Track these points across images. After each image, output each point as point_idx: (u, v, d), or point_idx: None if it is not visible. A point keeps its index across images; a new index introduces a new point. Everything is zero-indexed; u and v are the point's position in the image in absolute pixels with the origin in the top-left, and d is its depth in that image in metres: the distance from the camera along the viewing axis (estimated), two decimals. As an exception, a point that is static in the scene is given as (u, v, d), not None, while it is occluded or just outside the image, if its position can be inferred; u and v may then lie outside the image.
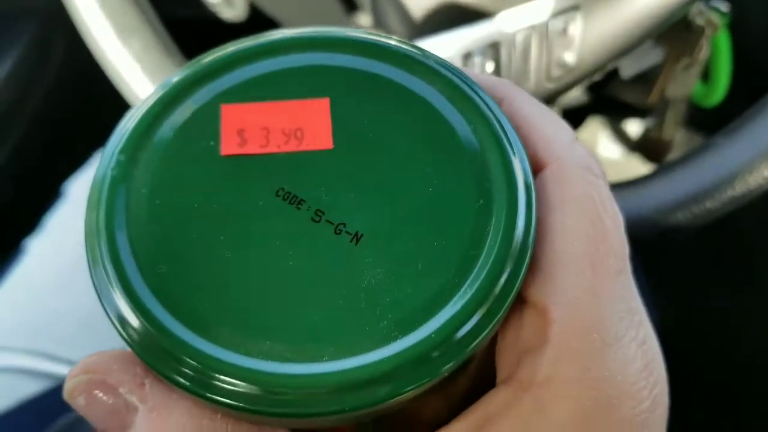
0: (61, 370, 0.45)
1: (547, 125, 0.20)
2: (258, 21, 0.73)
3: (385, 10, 0.39)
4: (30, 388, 0.44)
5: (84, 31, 0.39)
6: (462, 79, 0.19)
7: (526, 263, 0.17)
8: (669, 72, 0.46)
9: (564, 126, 0.20)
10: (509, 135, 0.19)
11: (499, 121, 0.19)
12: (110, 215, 0.17)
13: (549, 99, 0.36)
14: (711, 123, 0.61)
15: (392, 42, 0.20)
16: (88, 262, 0.17)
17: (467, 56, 0.35)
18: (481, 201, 0.18)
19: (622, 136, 0.70)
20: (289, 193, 0.18)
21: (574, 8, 0.34)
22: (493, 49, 0.35)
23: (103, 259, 0.17)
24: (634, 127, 0.69)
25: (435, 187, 0.18)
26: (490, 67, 0.35)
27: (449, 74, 0.19)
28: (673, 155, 0.56)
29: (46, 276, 0.48)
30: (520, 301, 0.18)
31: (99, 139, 0.57)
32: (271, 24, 0.75)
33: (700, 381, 0.55)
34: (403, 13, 0.38)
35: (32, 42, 0.63)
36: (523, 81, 0.35)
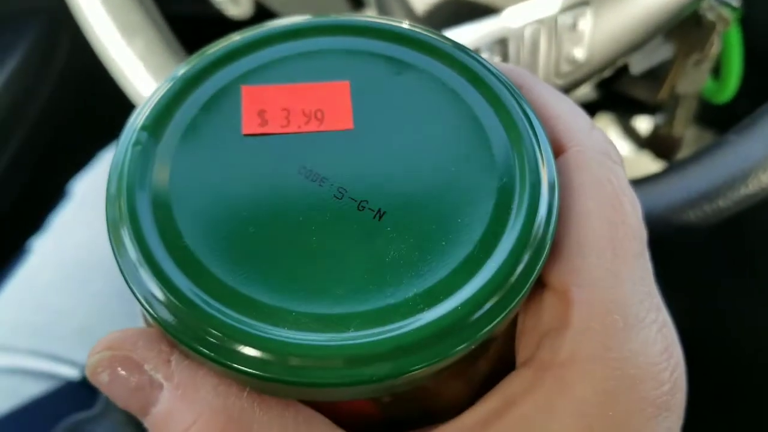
0: (63, 370, 0.45)
1: (566, 111, 0.20)
2: (263, 18, 0.72)
3: (390, 6, 0.38)
4: (33, 389, 0.44)
5: (87, 30, 0.38)
6: (481, 63, 0.19)
7: (548, 246, 0.17)
8: (679, 68, 0.46)
9: (582, 113, 0.20)
10: (531, 117, 0.19)
11: (520, 104, 0.19)
12: (132, 193, 0.17)
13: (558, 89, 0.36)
14: (721, 119, 0.60)
15: (411, 28, 0.20)
16: (111, 242, 0.17)
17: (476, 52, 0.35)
18: (504, 180, 0.18)
19: (631, 133, 0.70)
20: (312, 171, 0.18)
21: (584, 3, 0.33)
22: (501, 44, 0.34)
23: (128, 237, 0.17)
24: (643, 124, 0.69)
25: (456, 166, 0.18)
26: (498, 59, 0.35)
27: (468, 58, 0.19)
28: (683, 152, 0.55)
29: (49, 275, 0.47)
30: (540, 284, 0.18)
31: (102, 140, 0.57)
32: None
33: (709, 381, 0.54)
34: (408, 9, 0.38)
35: (36, 42, 0.63)
36: (531, 77, 0.35)
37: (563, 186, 0.18)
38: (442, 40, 0.20)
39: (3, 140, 0.62)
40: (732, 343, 0.57)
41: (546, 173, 0.18)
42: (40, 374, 0.44)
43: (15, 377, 0.44)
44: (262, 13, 0.72)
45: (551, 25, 0.34)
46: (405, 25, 0.20)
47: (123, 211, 0.17)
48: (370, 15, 0.20)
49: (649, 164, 0.64)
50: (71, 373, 0.45)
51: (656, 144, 0.55)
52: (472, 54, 0.20)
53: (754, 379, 0.56)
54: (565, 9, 0.34)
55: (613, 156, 0.19)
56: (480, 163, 0.18)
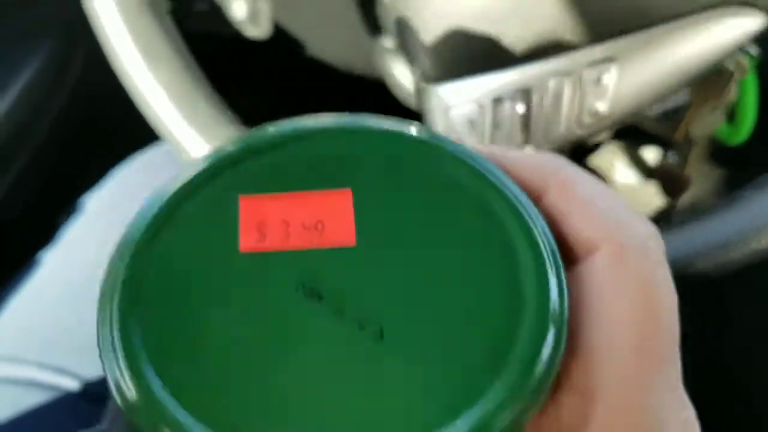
0: (66, 382, 0.45)
1: (602, 204, 0.20)
2: (281, 40, 0.72)
3: (409, 37, 0.39)
4: (36, 400, 0.45)
5: (111, 55, 0.38)
6: (483, 165, 0.19)
7: (559, 357, 0.17)
8: (695, 113, 0.46)
9: (619, 204, 0.20)
10: (538, 225, 0.19)
11: (527, 214, 0.19)
12: (125, 292, 0.17)
13: (578, 142, 0.36)
14: (732, 159, 0.61)
15: (414, 130, 0.20)
16: (97, 321, 0.17)
17: (497, 100, 0.35)
18: (511, 289, 0.17)
19: (639, 163, 0.70)
20: (311, 288, 0.17)
21: (610, 59, 0.34)
22: (524, 94, 0.35)
23: (113, 332, 0.17)
24: (651, 154, 0.69)
25: (462, 278, 0.18)
26: (521, 108, 0.35)
27: (471, 161, 0.19)
28: (690, 190, 0.55)
29: (59, 289, 0.48)
30: (558, 383, 0.18)
31: (114, 155, 0.57)
32: (294, 43, 0.75)
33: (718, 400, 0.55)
34: (422, 46, 0.38)
35: (50, 57, 0.63)
36: (553, 127, 0.35)
37: (596, 285, 0.18)
38: (446, 142, 0.19)
39: (15, 152, 0.62)
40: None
41: (555, 284, 0.18)
42: (44, 386, 0.44)
43: (20, 388, 0.45)
44: (280, 36, 0.72)
45: (576, 78, 0.34)
46: (412, 129, 0.20)
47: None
48: (373, 116, 0.20)
49: (653, 197, 0.65)
50: (72, 385, 0.45)
51: (665, 180, 0.56)
52: (475, 156, 0.19)
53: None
54: (591, 64, 0.34)
55: (652, 252, 0.19)
56: (485, 274, 0.18)
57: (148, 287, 0.17)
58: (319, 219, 0.18)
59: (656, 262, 0.19)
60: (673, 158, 0.56)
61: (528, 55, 0.35)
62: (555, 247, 0.18)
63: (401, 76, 0.75)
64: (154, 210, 0.18)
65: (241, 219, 0.18)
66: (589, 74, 0.34)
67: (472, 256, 0.18)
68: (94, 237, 0.50)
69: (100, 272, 0.52)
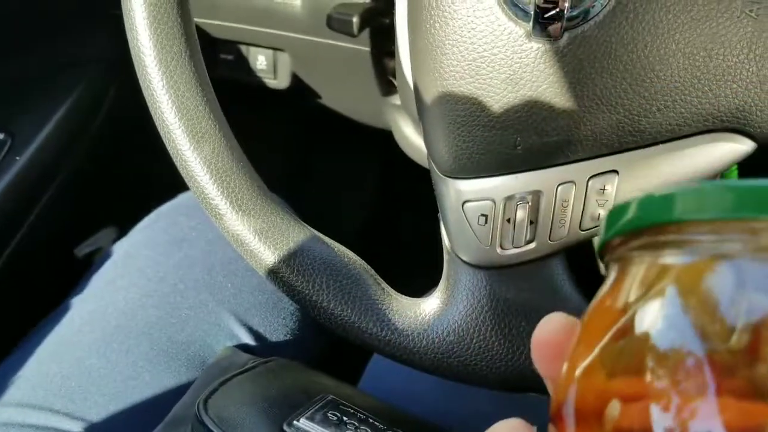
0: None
1: None
2: (300, 90, 0.76)
3: (429, 127, 0.42)
4: None
5: (162, 130, 0.42)
6: None
7: None
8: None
9: None
10: None
11: None
12: None
13: (578, 244, 0.40)
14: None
15: None
16: None
17: (509, 198, 0.39)
18: None
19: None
20: None
21: (614, 171, 0.38)
22: (534, 195, 0.38)
23: None
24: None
25: None
26: (530, 208, 0.39)
27: None
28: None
29: (90, 338, 0.50)
30: None
31: (137, 206, 0.60)
32: (312, 93, 0.79)
33: None
34: (444, 138, 0.41)
35: (80, 98, 0.67)
36: (558, 227, 0.39)
37: None
38: None
39: (44, 184, 0.65)
40: None
41: None
42: None
43: None
44: (299, 87, 0.76)
45: (582, 186, 0.38)
46: None
47: None
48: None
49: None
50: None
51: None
52: None
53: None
54: (596, 175, 0.38)
55: None
56: None
57: None
58: None
59: None
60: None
61: (540, 161, 0.38)
62: None
63: (410, 133, 0.79)
64: None
65: None
66: (593, 183, 0.38)
67: None
68: (122, 286, 0.53)
69: (130, 323, 0.55)
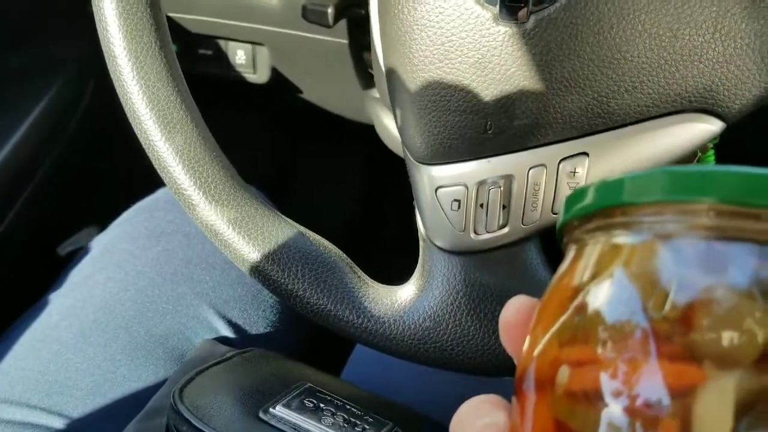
0: (57, 423, 0.47)
1: None
2: (280, 84, 0.76)
3: (402, 114, 0.42)
4: None
5: (132, 120, 0.42)
6: None
7: None
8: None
9: None
10: None
11: None
12: None
13: (551, 226, 0.40)
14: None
15: None
16: None
17: (482, 183, 0.39)
18: None
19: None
20: None
21: (583, 153, 0.38)
22: (507, 180, 0.39)
23: None
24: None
25: None
26: (502, 192, 0.39)
27: None
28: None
29: (69, 333, 0.50)
30: None
31: (116, 203, 0.60)
32: (292, 88, 0.79)
33: None
34: (416, 124, 0.41)
35: (58, 96, 0.67)
36: (530, 211, 0.39)
37: None
38: None
39: (19, 186, 0.65)
40: None
41: None
42: (51, 430, 0.46)
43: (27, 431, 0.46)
44: (278, 81, 0.76)
45: (553, 169, 0.38)
46: None
47: None
48: None
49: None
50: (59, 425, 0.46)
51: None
52: None
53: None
54: (567, 157, 0.38)
55: None
56: None
57: None
58: None
59: None
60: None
61: (510, 144, 0.38)
62: None
63: (390, 125, 0.79)
64: None
65: None
66: (564, 166, 0.38)
67: None
68: (99, 281, 0.52)
69: (108, 318, 0.55)
